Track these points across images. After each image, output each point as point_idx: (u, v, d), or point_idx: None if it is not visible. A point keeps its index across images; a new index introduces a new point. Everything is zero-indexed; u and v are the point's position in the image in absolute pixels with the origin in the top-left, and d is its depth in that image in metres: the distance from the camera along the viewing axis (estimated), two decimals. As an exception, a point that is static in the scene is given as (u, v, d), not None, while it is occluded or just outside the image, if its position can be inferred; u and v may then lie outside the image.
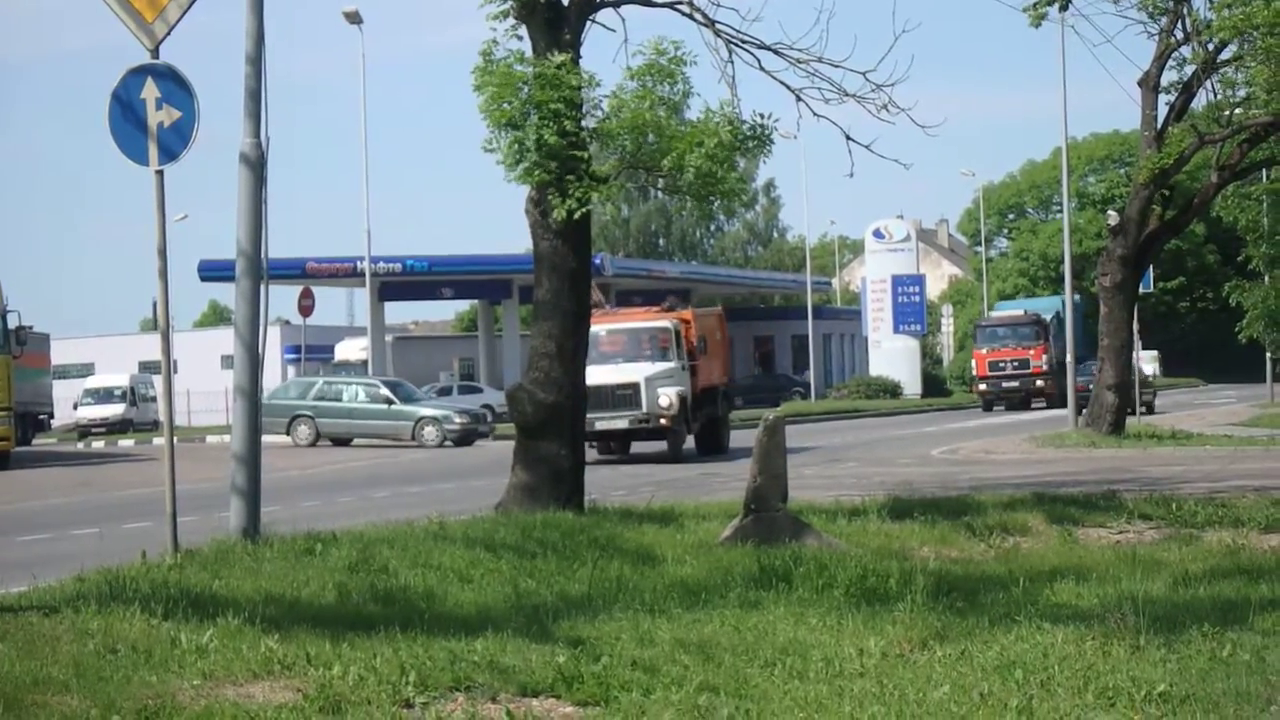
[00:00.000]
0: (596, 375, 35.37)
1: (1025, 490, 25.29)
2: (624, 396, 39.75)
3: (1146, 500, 23.36)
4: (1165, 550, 18.68)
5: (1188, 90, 43.36)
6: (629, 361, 40.31)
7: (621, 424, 40.02)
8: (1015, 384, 73.85)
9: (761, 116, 21.43)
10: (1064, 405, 59.97)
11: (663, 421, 40.04)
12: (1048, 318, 75.40)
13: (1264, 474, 30.07)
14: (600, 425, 38.50)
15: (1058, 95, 50.96)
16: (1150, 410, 57.40)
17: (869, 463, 36.18)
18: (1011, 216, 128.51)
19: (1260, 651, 12.30)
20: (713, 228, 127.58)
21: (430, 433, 52.54)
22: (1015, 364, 73.78)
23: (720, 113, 21.24)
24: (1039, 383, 73.68)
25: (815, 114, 22.51)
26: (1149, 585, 15.55)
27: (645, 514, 21.87)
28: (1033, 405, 73.65)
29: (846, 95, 22.14)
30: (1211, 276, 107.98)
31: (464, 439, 52.37)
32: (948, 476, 31.95)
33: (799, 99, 22.35)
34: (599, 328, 37.62)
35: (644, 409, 39.82)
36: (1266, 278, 56.60)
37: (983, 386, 74.94)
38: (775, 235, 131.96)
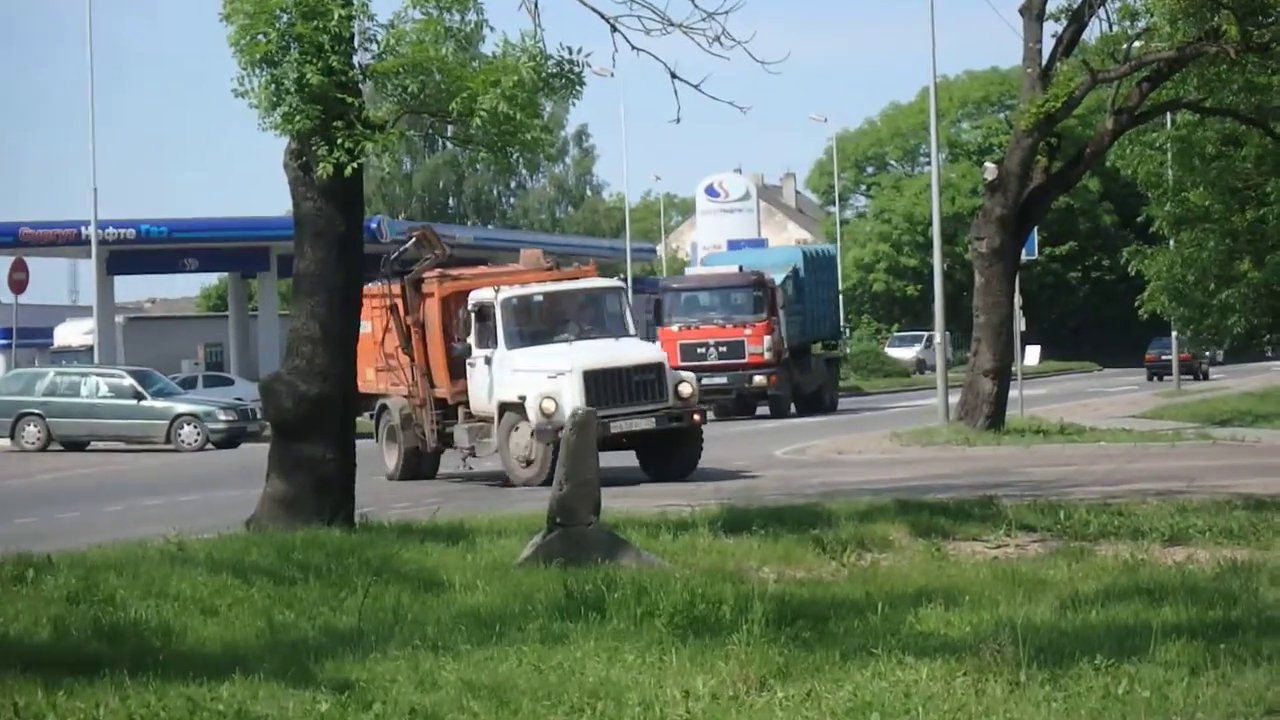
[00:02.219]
0: (595, 355, 34.37)
1: (886, 497, 25.54)
2: (644, 384, 34.86)
3: (1030, 508, 23.74)
4: (1051, 567, 18.95)
5: (1078, 19, 43.95)
6: (595, 338, 36.22)
7: (646, 424, 34.51)
8: (722, 380, 57.95)
9: (570, 51, 21.43)
10: (793, 413, 60.46)
11: (695, 418, 35.47)
12: (778, 278, 61.79)
13: (1168, 475, 30.57)
14: (618, 427, 33.73)
15: (925, 26, 51.33)
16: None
17: (700, 463, 36.21)
18: (871, 170, 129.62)
19: (1162, 688, 12.51)
20: (513, 185, 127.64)
21: (189, 433, 51.79)
22: (722, 349, 59.39)
23: (521, 47, 21.18)
24: (757, 378, 59.35)
25: (635, 48, 22.51)
26: (1031, 609, 15.77)
27: (429, 530, 21.81)
28: (756, 412, 62.34)
29: (671, 25, 22.14)
30: (1108, 241, 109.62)
31: (230, 440, 51.68)
32: (794, 481, 32.19)
33: (615, 29, 22.31)
34: (532, 290, 36.07)
35: (668, 400, 34.71)
36: (1172, 242, 57.08)
37: None
38: (589, 193, 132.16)
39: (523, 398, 33.56)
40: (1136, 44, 44.35)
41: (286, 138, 21.70)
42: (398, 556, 19.35)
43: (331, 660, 13.61)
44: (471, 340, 34.98)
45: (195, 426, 51.84)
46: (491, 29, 21.83)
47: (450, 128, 22.52)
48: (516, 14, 21.58)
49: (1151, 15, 43.21)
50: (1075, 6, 43.75)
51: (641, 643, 14.25)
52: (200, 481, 37.98)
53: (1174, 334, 69.12)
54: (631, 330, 36.58)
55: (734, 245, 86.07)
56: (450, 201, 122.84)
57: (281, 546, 19.14)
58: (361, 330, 36.49)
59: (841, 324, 79.94)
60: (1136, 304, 59.05)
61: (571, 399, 32.78)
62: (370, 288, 37.50)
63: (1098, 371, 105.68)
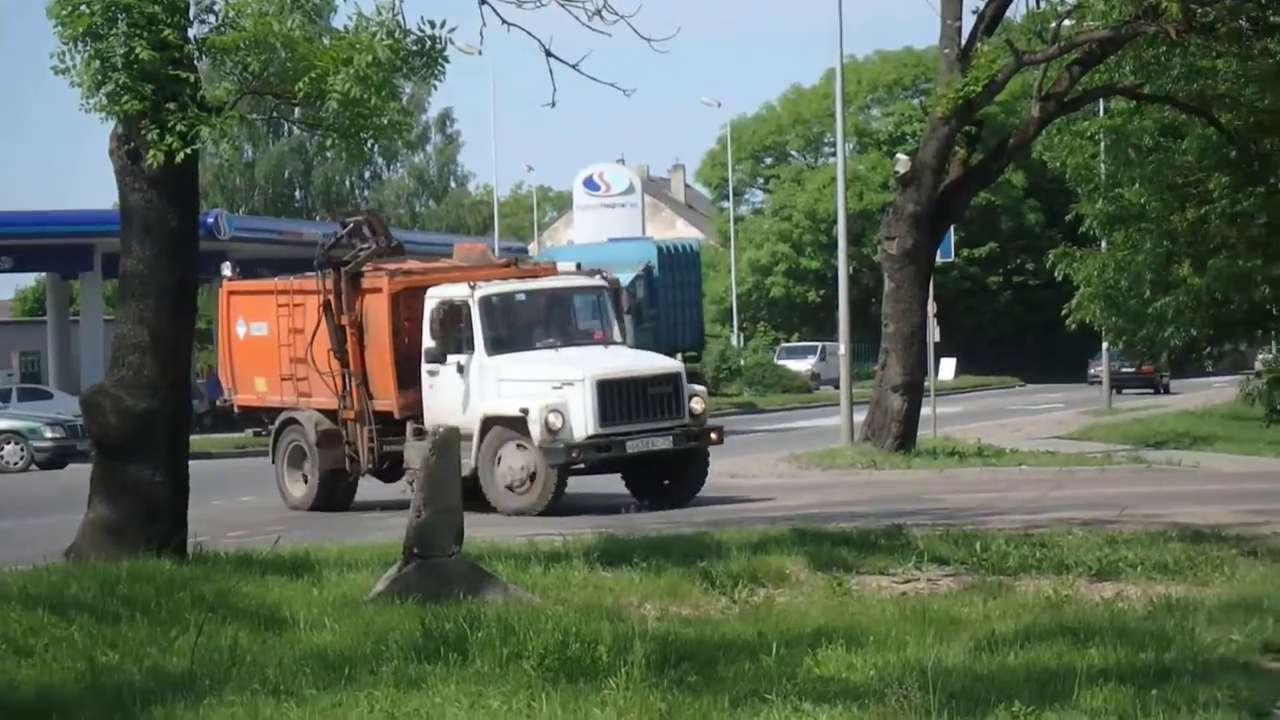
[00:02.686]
0: (607, 363, 33.47)
1: (782, 526, 25.69)
2: (662, 397, 33.89)
3: (942, 538, 23.94)
4: (966, 604, 19.13)
5: (1001, -5, 44.19)
6: (581, 344, 35.29)
7: (665, 443, 33.54)
8: None
9: (432, 26, 21.42)
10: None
11: (712, 437, 34.65)
12: (626, 278, 54.97)
13: (1096, 502, 30.83)
14: (635, 447, 33.11)
15: (831, 1, 51.35)
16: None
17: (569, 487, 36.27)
18: (769, 161, 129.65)
19: (1091, 735, 12.68)
20: (367, 175, 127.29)
21: (10, 452, 51.63)
22: None
23: (376, 21, 21.17)
24: None
25: (506, 22, 22.57)
26: (943, 651, 15.94)
27: (271, 561, 21.77)
28: None
29: (546, -4, 22.24)
30: (1032, 242, 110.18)
31: (56, 460, 51.37)
32: (679, 509, 32.20)
33: (483, 1, 22.38)
34: (514, 287, 35.26)
35: (684, 416, 33.90)
36: (1104, 243, 57.22)
37: None
38: (453, 185, 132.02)
39: (524, 411, 32.40)
40: (1067, 23, 44.68)
41: (113, 121, 21.59)
42: (235, 591, 19.30)
43: (160, 706, 13.59)
44: (431, 344, 33.72)
45: (18, 445, 51.60)
46: (344, 0, 21.82)
47: (297, 111, 22.50)
48: (372, -16, 21.55)
49: (1074, -9, 43.56)
50: (998, -17, 43.97)
51: (508, 687, 14.27)
52: (19, 506, 37.75)
53: (1105, 345, 69.47)
54: (619, 337, 35.85)
55: (614, 244, 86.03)
56: (296, 194, 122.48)
57: (105, 579, 19.06)
58: (254, 333, 36.88)
59: (705, 332, 77.53)
60: (1064, 312, 58.93)
61: (581, 413, 32.44)
62: (277, 282, 37.86)
63: (1020, 387, 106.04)
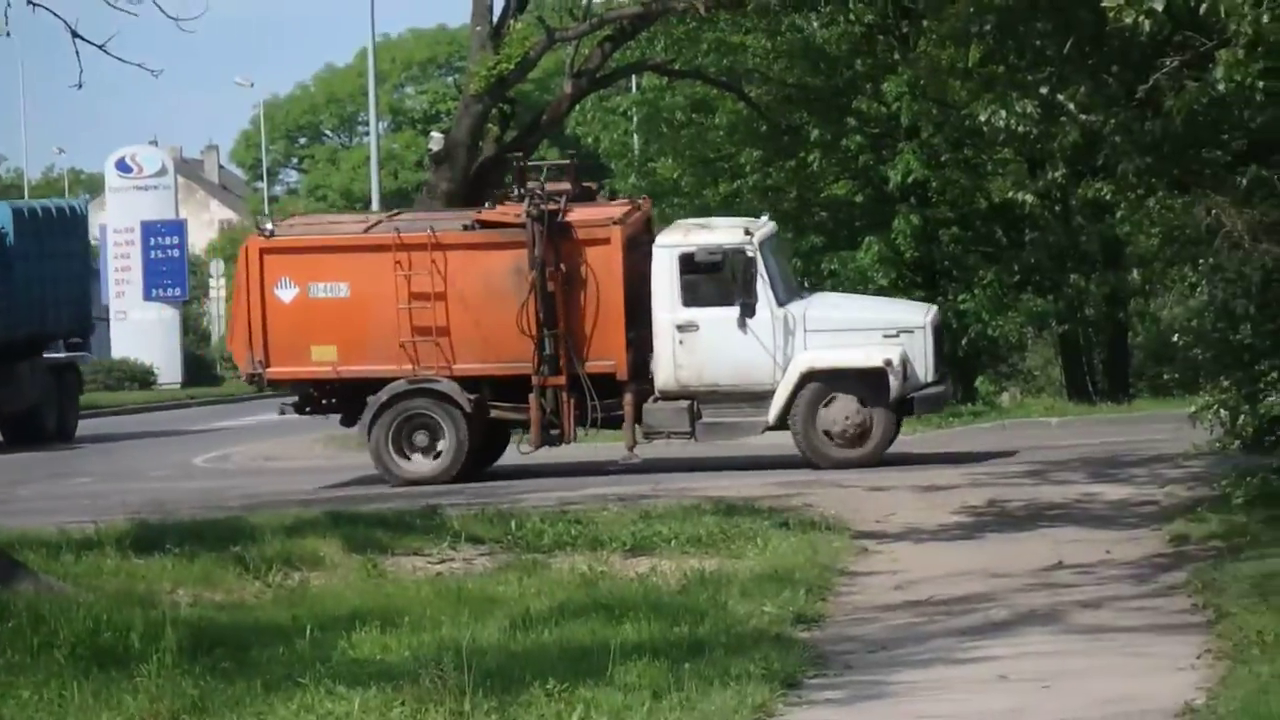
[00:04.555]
0: (924, 310, 32.98)
1: (318, 509, 25.60)
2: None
3: (478, 517, 23.99)
4: (502, 583, 19.24)
5: (533, -29, 44.40)
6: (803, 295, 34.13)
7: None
8: None
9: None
10: None
11: None
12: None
13: (631, 478, 30.87)
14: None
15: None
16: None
17: (109, 477, 35.83)
18: (303, 141, 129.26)
19: (621, 713, 12.80)
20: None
21: None
22: None
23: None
24: None
25: (31, 2, 22.09)
26: (478, 630, 16.01)
27: None
28: None
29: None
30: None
31: None
32: (215, 493, 31.87)
33: (7, -21, 21.88)
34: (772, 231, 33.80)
35: None
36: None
37: None
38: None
39: (887, 362, 31.17)
40: (598, 0, 44.99)
41: None
42: None
43: None
44: (676, 298, 31.81)
45: None
46: None
47: None
48: None
49: (616, -32, 43.92)
50: (531, -42, 44.17)
51: (39, 677, 14.06)
52: None
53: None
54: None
55: (148, 227, 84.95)
56: None
57: None
58: (317, 295, 32.51)
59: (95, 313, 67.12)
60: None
61: (923, 360, 31.88)
62: (369, 237, 33.60)
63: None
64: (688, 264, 31.93)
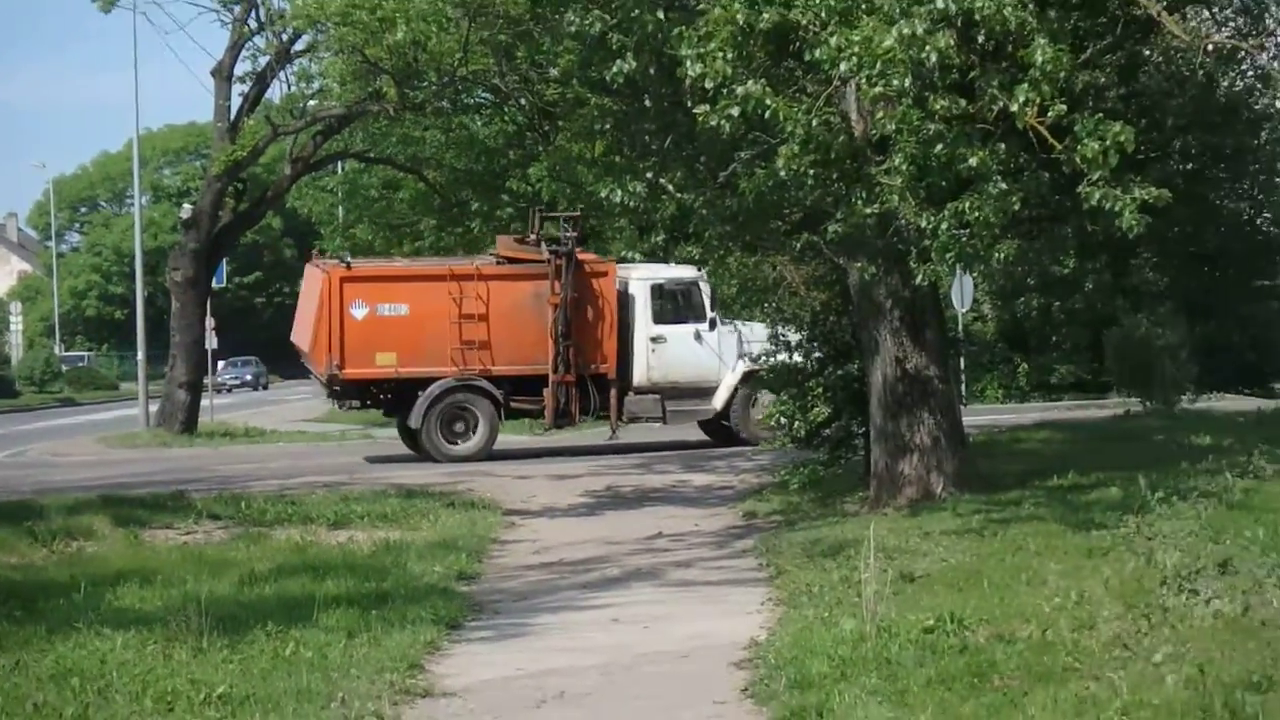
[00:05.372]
0: None
1: (93, 493, 25.02)
2: None
3: (217, 499, 23.71)
4: (233, 550, 18.97)
5: (262, 80, 44.03)
6: None
7: None
8: None
9: None
10: None
11: None
12: None
13: (336, 469, 30.90)
14: None
15: (131, 84, 50.35)
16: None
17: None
18: (84, 209, 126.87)
19: (323, 649, 12.67)
20: None
21: None
22: None
23: None
24: None
25: None
26: (215, 586, 15.75)
27: None
28: None
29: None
30: (289, 270, 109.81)
31: None
32: (10, 481, 31.01)
33: None
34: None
35: None
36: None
37: None
38: None
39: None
40: (312, 102, 44.69)
41: None
42: None
43: None
44: (649, 318, 33.79)
45: None
46: None
47: None
48: None
49: (325, 78, 43.66)
50: (260, 70, 43.83)
51: None
52: None
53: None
54: None
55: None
56: None
57: None
58: (383, 314, 32.85)
59: None
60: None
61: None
62: (423, 267, 34.86)
63: (280, 383, 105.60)
64: (658, 292, 34.05)
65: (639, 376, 33.59)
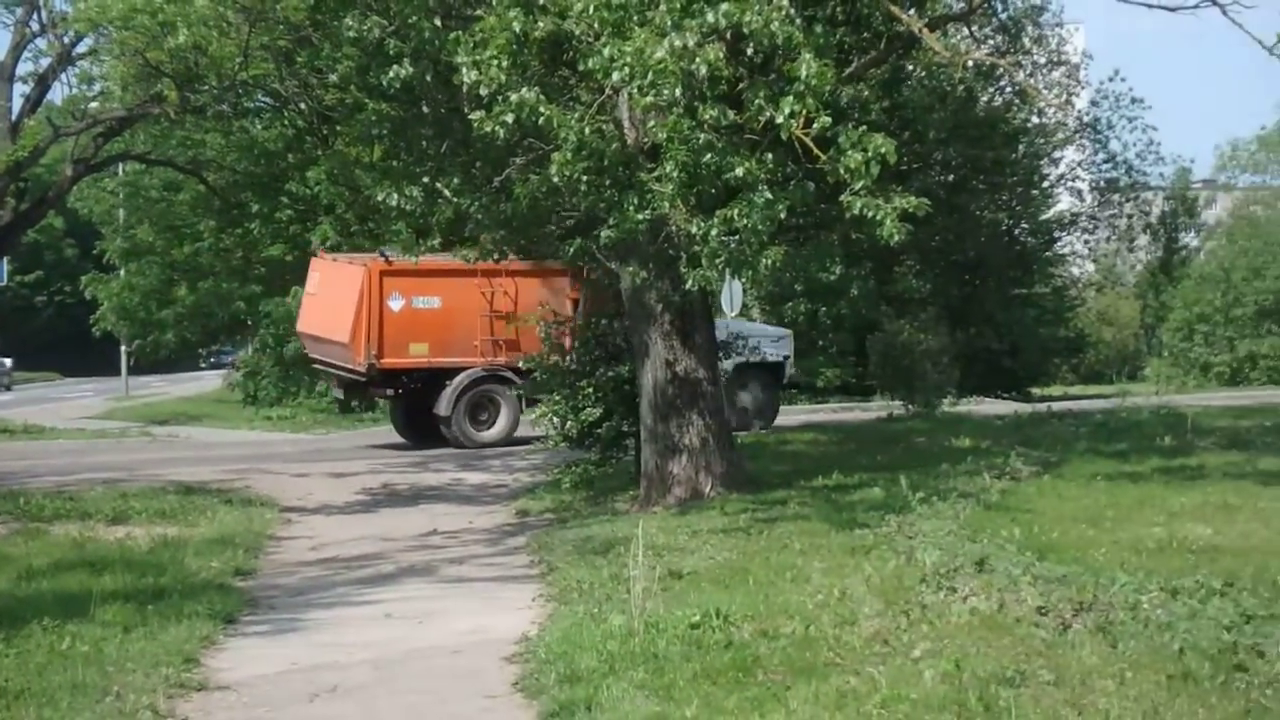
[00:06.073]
0: None
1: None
2: None
3: (-6, 496, 23.19)
4: (12, 545, 18.59)
5: (44, 82, 43.05)
6: None
7: None
8: None
9: None
10: None
11: None
12: None
13: (114, 466, 30.35)
14: None
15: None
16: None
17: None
18: None
19: (99, 643, 12.44)
20: None
21: None
22: None
23: None
24: None
25: None
26: (-3, 581, 15.41)
27: None
28: None
29: None
30: (70, 269, 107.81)
31: None
32: None
33: None
34: None
35: None
36: (121, 270, 57.34)
37: None
38: None
39: (785, 357, 34.59)
40: (94, 104, 43.79)
41: None
42: None
43: None
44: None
45: None
46: None
47: None
48: None
49: (106, 81, 42.86)
50: (41, 72, 42.95)
51: None
52: None
53: (123, 347, 68.37)
54: None
55: None
56: None
57: None
58: (418, 306, 33.73)
59: None
60: (92, 322, 59.07)
61: (792, 358, 35.83)
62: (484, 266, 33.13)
63: (60, 380, 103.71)
64: None
65: None
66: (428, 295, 34.13)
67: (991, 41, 35.97)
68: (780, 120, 15.76)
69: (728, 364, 34.51)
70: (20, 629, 12.78)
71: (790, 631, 11.83)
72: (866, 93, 23.75)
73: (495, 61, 16.61)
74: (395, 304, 34.13)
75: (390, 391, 35.48)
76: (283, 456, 32.02)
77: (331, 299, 35.27)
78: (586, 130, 16.77)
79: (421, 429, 34.96)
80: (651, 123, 17.39)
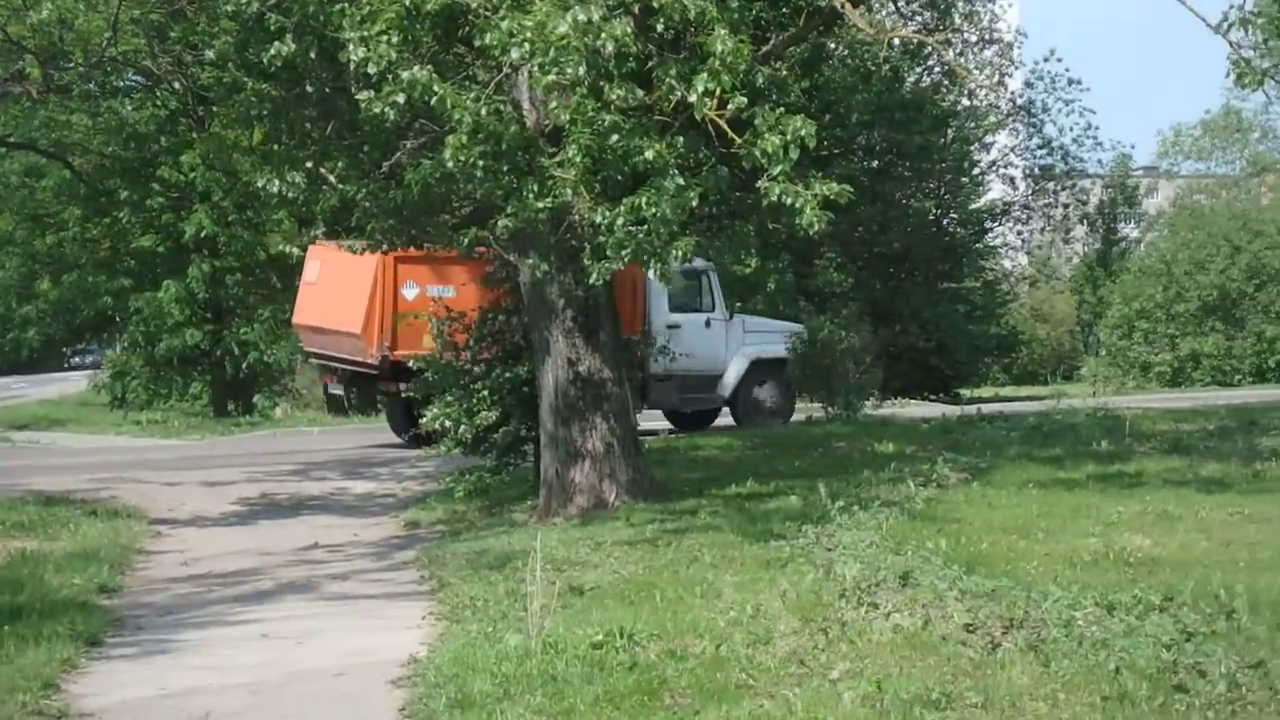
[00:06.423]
0: None
1: None
2: None
3: None
4: None
5: None
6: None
7: None
8: None
9: None
10: None
11: None
12: None
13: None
14: None
15: None
16: None
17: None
18: None
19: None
20: None
21: None
22: None
23: None
24: None
25: None
26: None
27: None
28: None
29: None
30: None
31: None
32: None
33: None
34: None
35: None
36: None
37: None
38: None
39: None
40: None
41: None
42: None
43: None
44: (666, 306, 34.58)
45: None
46: None
47: None
48: None
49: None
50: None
51: None
52: None
53: None
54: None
55: None
56: None
57: None
58: (434, 294, 32.02)
59: None
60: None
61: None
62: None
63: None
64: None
65: (657, 364, 34.41)
66: (443, 283, 33.78)
67: (919, 18, 36.18)
68: (693, 100, 15.78)
69: (743, 361, 35.42)
70: None
71: (700, 651, 11.84)
72: (785, 72, 23.83)
73: (384, 37, 16.53)
74: (409, 292, 33.92)
75: (398, 387, 35.14)
76: (153, 464, 31.74)
77: (338, 288, 34.87)
78: (483, 111, 16.73)
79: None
80: (553, 103, 17.35)
